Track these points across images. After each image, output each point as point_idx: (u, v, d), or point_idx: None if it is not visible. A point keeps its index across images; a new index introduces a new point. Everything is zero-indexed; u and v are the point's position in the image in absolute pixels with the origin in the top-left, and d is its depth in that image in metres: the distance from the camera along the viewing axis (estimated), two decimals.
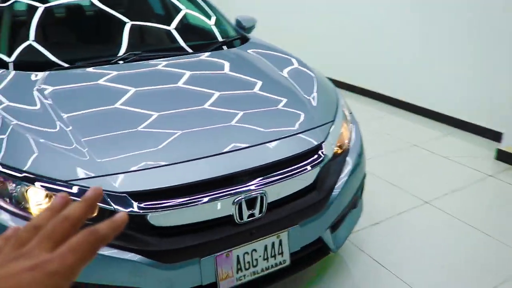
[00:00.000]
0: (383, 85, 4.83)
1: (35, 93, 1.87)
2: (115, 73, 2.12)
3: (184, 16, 2.99)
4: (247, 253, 1.60)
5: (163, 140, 1.63)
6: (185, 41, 2.56)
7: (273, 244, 1.65)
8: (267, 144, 1.69)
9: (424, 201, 2.83)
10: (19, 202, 1.46)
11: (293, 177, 1.66)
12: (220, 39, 2.68)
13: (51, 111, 1.74)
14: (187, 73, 2.16)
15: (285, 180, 1.63)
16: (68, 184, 1.43)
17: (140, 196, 1.44)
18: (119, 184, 1.44)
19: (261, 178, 1.60)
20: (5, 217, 1.44)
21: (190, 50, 2.48)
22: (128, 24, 2.56)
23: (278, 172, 1.63)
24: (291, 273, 1.78)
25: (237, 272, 1.60)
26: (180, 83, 2.06)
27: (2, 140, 1.58)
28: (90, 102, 1.83)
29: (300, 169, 1.68)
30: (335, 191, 1.82)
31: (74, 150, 1.53)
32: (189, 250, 1.49)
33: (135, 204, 1.42)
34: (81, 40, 2.79)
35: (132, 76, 2.11)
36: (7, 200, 1.47)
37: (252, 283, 1.67)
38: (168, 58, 2.33)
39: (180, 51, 2.46)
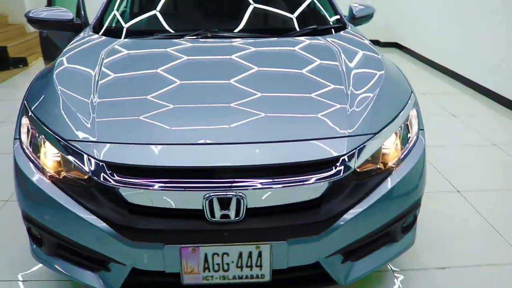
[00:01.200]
0: None
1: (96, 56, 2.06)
2: (186, 46, 2.24)
3: None
4: (216, 254, 1.49)
5: (168, 119, 1.62)
6: (268, 24, 2.48)
7: (250, 253, 1.50)
8: (266, 144, 1.52)
9: None
10: (36, 151, 1.65)
11: (283, 186, 1.46)
12: (305, 25, 2.54)
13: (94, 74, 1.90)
14: (236, 52, 2.15)
15: (270, 188, 1.45)
16: (67, 143, 1.55)
17: (116, 168, 1.46)
18: (102, 152, 1.49)
19: (241, 179, 1.45)
20: (25, 162, 1.65)
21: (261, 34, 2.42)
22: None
23: (262, 178, 1.46)
24: None
25: (204, 271, 1.51)
26: (223, 57, 2.12)
27: (51, 105, 1.74)
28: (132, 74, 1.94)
29: (293, 181, 1.46)
30: (347, 216, 1.54)
31: (84, 112, 1.65)
32: (153, 233, 1.46)
33: (109, 174, 1.46)
34: (183, 14, 2.93)
35: (193, 51, 2.18)
36: (30, 146, 1.68)
37: None
38: (234, 40, 2.32)
39: (258, 33, 2.41)
